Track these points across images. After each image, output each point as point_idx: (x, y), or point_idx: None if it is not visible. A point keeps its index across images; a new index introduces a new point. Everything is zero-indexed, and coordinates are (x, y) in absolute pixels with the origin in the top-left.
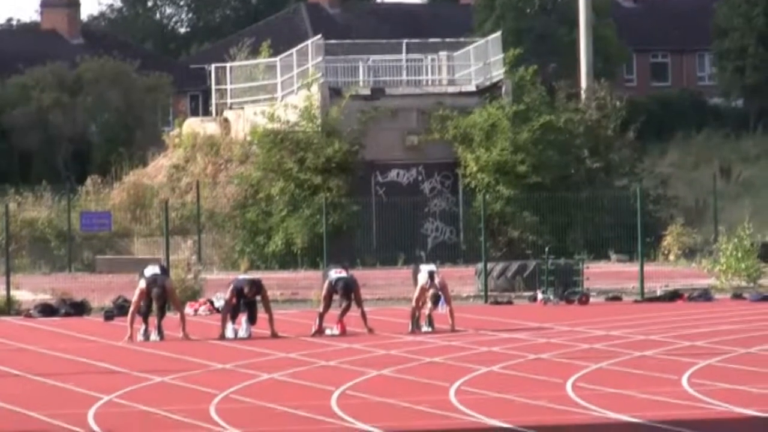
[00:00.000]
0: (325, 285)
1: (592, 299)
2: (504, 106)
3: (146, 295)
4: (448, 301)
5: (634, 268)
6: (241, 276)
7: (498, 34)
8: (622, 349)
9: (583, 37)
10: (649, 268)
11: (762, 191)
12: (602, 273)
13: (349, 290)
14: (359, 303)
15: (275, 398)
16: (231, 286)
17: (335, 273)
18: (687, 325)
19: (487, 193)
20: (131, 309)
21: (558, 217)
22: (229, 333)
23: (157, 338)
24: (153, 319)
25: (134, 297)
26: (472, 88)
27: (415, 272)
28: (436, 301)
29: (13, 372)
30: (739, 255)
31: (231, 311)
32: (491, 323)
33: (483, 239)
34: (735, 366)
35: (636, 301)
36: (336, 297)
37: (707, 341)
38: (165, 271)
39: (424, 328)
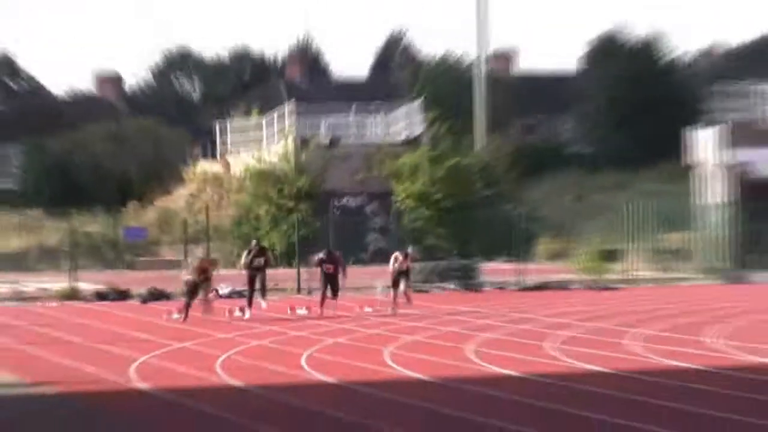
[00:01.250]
0: (316, 263)
1: (485, 288)
2: (424, 152)
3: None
4: (408, 279)
5: (515, 266)
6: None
7: (420, 100)
8: (505, 323)
9: (477, 103)
10: (525, 266)
11: (606, 212)
12: (492, 270)
13: (333, 258)
14: (344, 270)
15: (261, 359)
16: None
17: (321, 254)
18: (551, 306)
19: (411, 213)
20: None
21: (461, 230)
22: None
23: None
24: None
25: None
26: (401, 139)
27: (392, 262)
28: (401, 277)
29: (75, 339)
30: (590, 258)
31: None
32: (415, 305)
33: (411, 246)
34: (587, 336)
35: (516, 290)
36: (326, 270)
37: (566, 319)
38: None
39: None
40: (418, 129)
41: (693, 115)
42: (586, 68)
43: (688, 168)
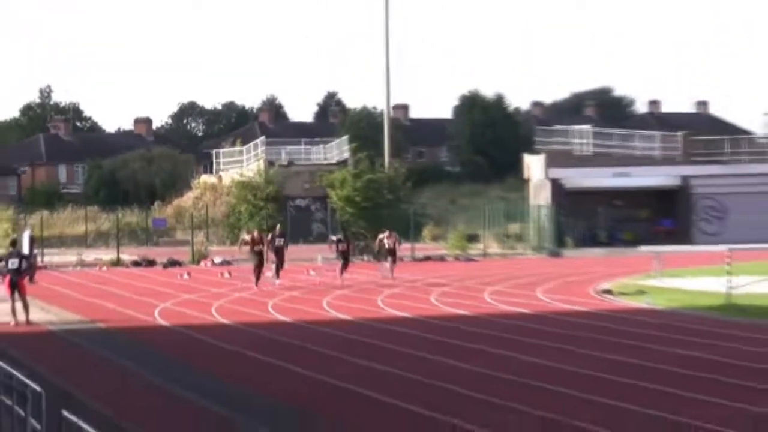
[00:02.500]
0: (332, 243)
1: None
2: (349, 170)
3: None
4: (394, 257)
5: (409, 245)
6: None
7: (346, 137)
8: (403, 282)
9: (385, 138)
10: (415, 245)
11: (469, 210)
12: None
13: (345, 240)
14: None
15: (241, 305)
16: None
17: (335, 236)
18: (433, 272)
19: (341, 211)
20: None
21: (374, 222)
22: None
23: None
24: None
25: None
26: (334, 161)
27: (379, 239)
28: (388, 254)
29: (119, 292)
30: (458, 239)
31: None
32: (349, 270)
33: (341, 232)
34: (457, 291)
35: (410, 261)
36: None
37: (443, 279)
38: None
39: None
40: (345, 155)
41: (527, 146)
42: (456, 116)
43: (524, 181)
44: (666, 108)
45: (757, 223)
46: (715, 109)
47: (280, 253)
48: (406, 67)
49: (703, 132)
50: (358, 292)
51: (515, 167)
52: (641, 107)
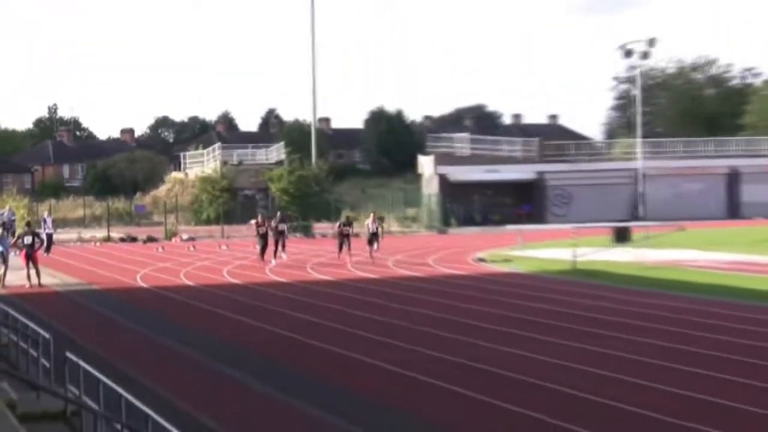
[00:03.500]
0: (338, 227)
1: (316, 237)
2: (285, 168)
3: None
4: (377, 240)
5: (331, 225)
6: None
7: (282, 143)
8: (325, 254)
9: (312, 144)
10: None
11: (377, 198)
12: (319, 228)
13: (348, 223)
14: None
15: (202, 271)
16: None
17: (340, 221)
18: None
19: (279, 199)
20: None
21: (304, 208)
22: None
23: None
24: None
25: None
26: (274, 161)
27: (366, 224)
28: (371, 240)
29: (109, 261)
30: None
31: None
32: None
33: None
34: (367, 260)
35: (331, 237)
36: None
37: (356, 251)
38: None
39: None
40: (282, 156)
41: (420, 149)
42: (367, 126)
43: (418, 176)
44: (526, 120)
45: (594, 207)
46: (564, 121)
47: (282, 236)
48: (329, 87)
49: (554, 138)
50: (294, 262)
51: (411, 165)
52: (507, 119)
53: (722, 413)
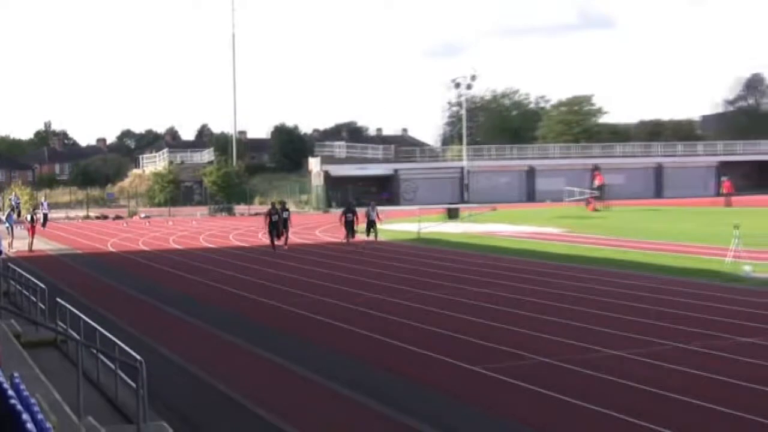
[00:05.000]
0: (342, 214)
1: (236, 215)
2: (214, 167)
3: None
4: (374, 226)
5: (247, 208)
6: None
7: (212, 148)
8: (243, 228)
9: (233, 149)
10: (250, 206)
11: (280, 188)
12: (240, 208)
13: (352, 211)
14: (357, 218)
15: (157, 240)
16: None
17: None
18: (256, 221)
19: (210, 189)
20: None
21: (228, 195)
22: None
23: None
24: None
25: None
26: (206, 161)
27: (367, 210)
28: (369, 228)
29: (88, 233)
30: (274, 203)
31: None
32: (216, 221)
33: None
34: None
35: (248, 216)
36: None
37: (254, 228)
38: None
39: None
40: (212, 158)
41: (310, 153)
42: (272, 136)
43: (309, 172)
44: (385, 132)
45: (433, 194)
46: (412, 132)
47: (284, 223)
48: (247, 106)
49: (405, 145)
50: (221, 233)
51: (304, 164)
52: (372, 131)
53: (502, 333)
